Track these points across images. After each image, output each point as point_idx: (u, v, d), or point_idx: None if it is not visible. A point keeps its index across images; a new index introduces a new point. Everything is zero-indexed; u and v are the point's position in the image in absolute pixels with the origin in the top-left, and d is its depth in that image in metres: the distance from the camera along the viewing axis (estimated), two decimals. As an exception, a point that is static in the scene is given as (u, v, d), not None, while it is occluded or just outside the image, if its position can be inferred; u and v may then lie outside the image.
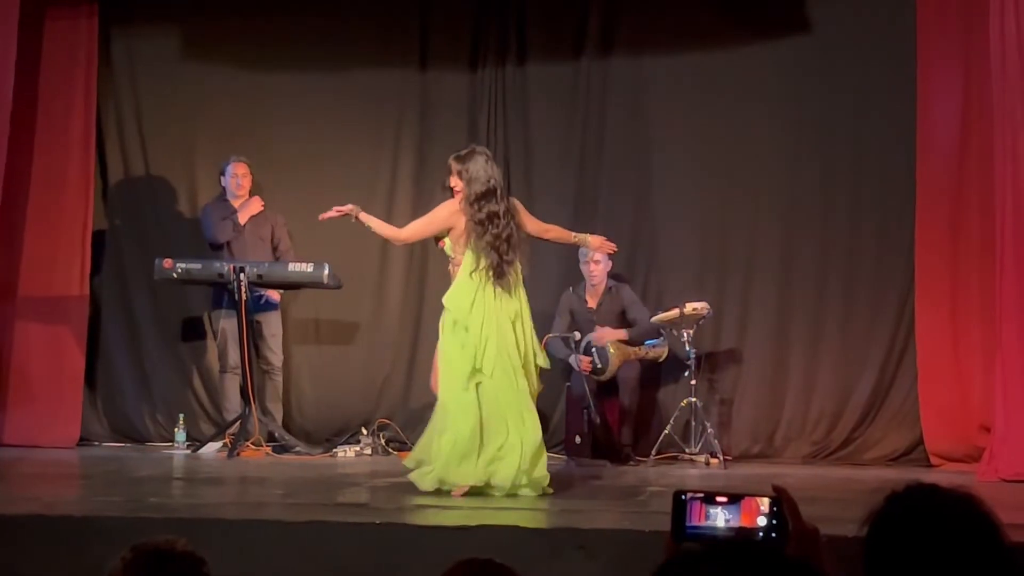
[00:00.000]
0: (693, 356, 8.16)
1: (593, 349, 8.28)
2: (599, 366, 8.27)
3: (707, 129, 8.84)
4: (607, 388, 8.36)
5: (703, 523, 2.19)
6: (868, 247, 8.53)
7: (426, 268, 9.16)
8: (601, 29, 8.99)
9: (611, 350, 8.21)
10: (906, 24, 8.24)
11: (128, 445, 9.09)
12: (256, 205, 8.87)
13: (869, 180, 8.53)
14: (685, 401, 8.16)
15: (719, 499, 2.20)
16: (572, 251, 8.68)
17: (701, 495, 2.20)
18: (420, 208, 8.88)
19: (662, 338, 8.41)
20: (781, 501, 2.18)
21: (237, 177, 8.87)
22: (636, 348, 8.37)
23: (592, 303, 8.54)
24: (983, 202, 7.69)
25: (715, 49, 8.81)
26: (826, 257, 8.60)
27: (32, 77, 8.90)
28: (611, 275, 8.56)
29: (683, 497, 2.20)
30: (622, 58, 8.97)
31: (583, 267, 8.49)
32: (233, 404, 8.70)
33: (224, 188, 8.93)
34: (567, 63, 9.04)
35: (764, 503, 2.18)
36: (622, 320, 8.48)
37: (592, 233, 8.52)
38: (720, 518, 2.19)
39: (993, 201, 7.40)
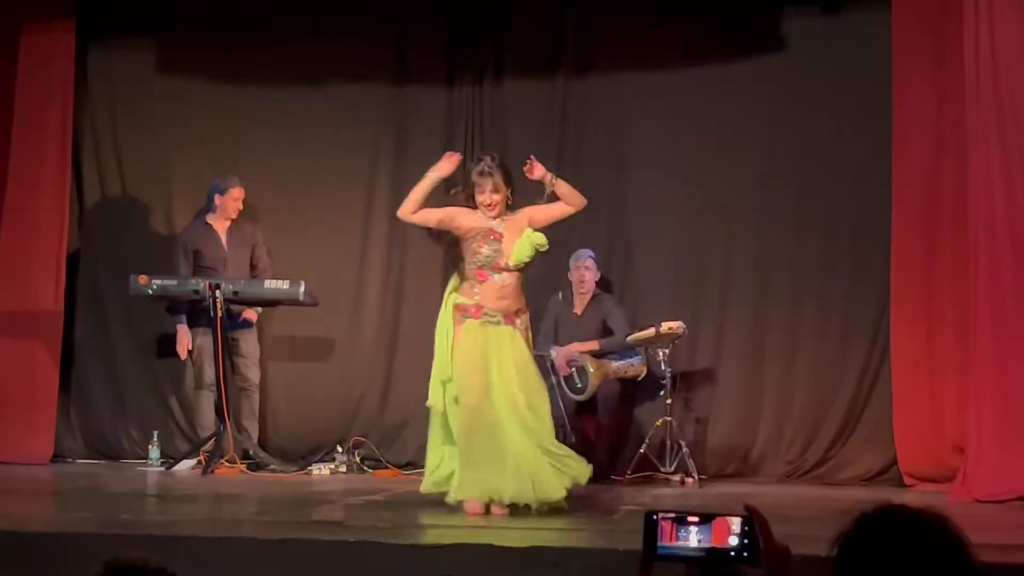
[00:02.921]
0: (669, 375, 8.17)
1: (573, 369, 8.29)
2: (579, 385, 8.28)
3: (682, 147, 8.85)
4: (585, 406, 8.36)
5: (675, 543, 2.20)
6: (843, 267, 8.55)
7: (403, 286, 9.17)
8: (578, 46, 9.02)
9: (591, 369, 8.21)
10: (882, 44, 8.27)
11: (102, 462, 9.06)
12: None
13: (844, 200, 8.56)
14: (660, 420, 8.16)
15: (691, 519, 2.21)
16: (559, 257, 8.73)
17: (673, 515, 2.21)
18: (397, 223, 8.89)
19: (639, 356, 8.42)
20: (752, 520, 2.19)
21: (237, 200, 8.85)
22: (615, 367, 8.38)
23: (578, 309, 8.56)
24: (958, 224, 7.72)
25: (691, 67, 8.84)
26: (801, 277, 8.63)
27: (7, 92, 8.88)
28: (598, 284, 8.59)
29: (654, 517, 2.21)
30: (598, 75, 8.99)
31: (572, 273, 8.52)
32: (208, 421, 8.66)
33: (214, 206, 8.87)
34: (544, 80, 9.06)
35: (735, 523, 2.19)
36: (605, 329, 8.51)
37: (571, 255, 8.60)
38: (692, 538, 2.19)
39: (968, 223, 7.44)
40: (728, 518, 2.20)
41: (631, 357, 8.40)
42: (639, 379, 8.49)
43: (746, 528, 2.19)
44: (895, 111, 8.16)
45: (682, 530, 2.19)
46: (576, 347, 8.33)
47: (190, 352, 8.79)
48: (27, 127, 9.02)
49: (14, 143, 8.99)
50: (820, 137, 8.61)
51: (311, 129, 9.24)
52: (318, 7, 9.18)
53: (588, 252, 8.55)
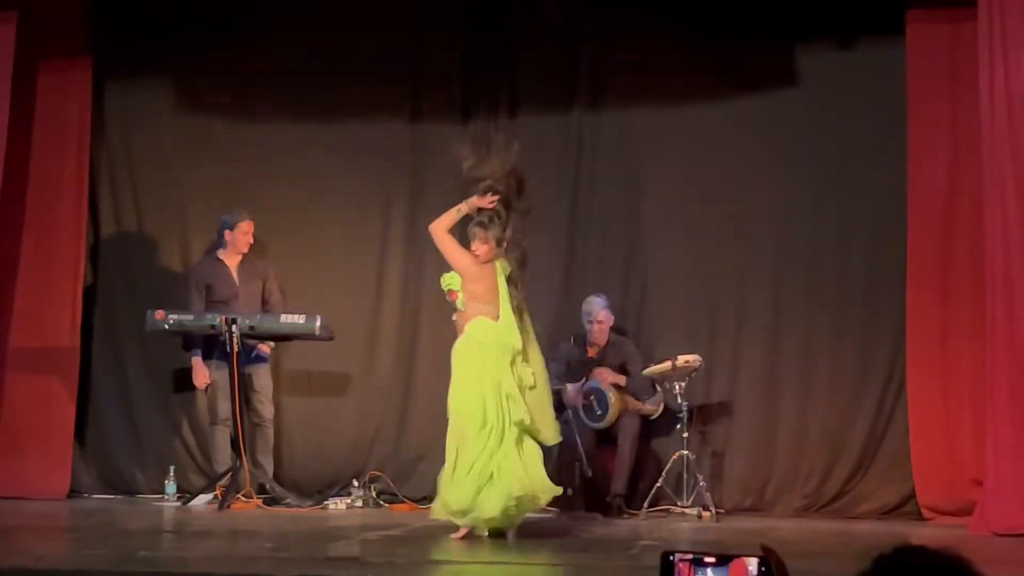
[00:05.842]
0: (685, 408, 8.15)
1: (592, 396, 8.28)
2: (598, 413, 8.27)
3: (697, 181, 8.86)
4: (604, 438, 8.35)
5: (691, 585, 2.18)
6: (859, 301, 8.53)
7: (419, 319, 9.15)
8: (592, 82, 9.04)
9: (612, 398, 8.21)
10: (896, 80, 8.27)
11: (118, 497, 9.05)
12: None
13: (859, 233, 8.56)
14: (677, 454, 8.14)
15: (707, 560, 2.19)
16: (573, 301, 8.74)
17: (690, 556, 2.19)
18: (412, 257, 8.96)
19: (658, 395, 8.42)
20: (769, 561, 2.18)
21: (247, 234, 8.86)
22: (634, 401, 8.37)
23: (592, 352, 8.55)
24: (973, 258, 7.72)
25: (705, 103, 8.85)
26: (816, 310, 8.61)
27: (25, 129, 8.91)
28: (613, 328, 8.58)
29: (671, 558, 2.20)
30: (612, 111, 9.00)
31: (587, 325, 8.51)
32: (224, 456, 8.66)
33: (225, 242, 8.89)
34: (558, 116, 9.08)
35: (752, 564, 2.18)
36: (621, 372, 8.50)
37: (590, 292, 8.63)
38: (708, 580, 2.18)
39: (983, 257, 7.43)
40: (745, 559, 2.18)
41: (650, 396, 8.41)
42: (653, 418, 8.49)
43: (763, 569, 2.17)
44: (910, 146, 8.16)
45: (699, 571, 2.18)
46: (607, 375, 8.32)
47: (207, 385, 8.79)
48: (44, 164, 9.05)
49: (31, 180, 9.01)
50: (834, 171, 8.61)
51: (327, 166, 9.25)
52: (334, 44, 9.20)
53: (602, 302, 8.50)
